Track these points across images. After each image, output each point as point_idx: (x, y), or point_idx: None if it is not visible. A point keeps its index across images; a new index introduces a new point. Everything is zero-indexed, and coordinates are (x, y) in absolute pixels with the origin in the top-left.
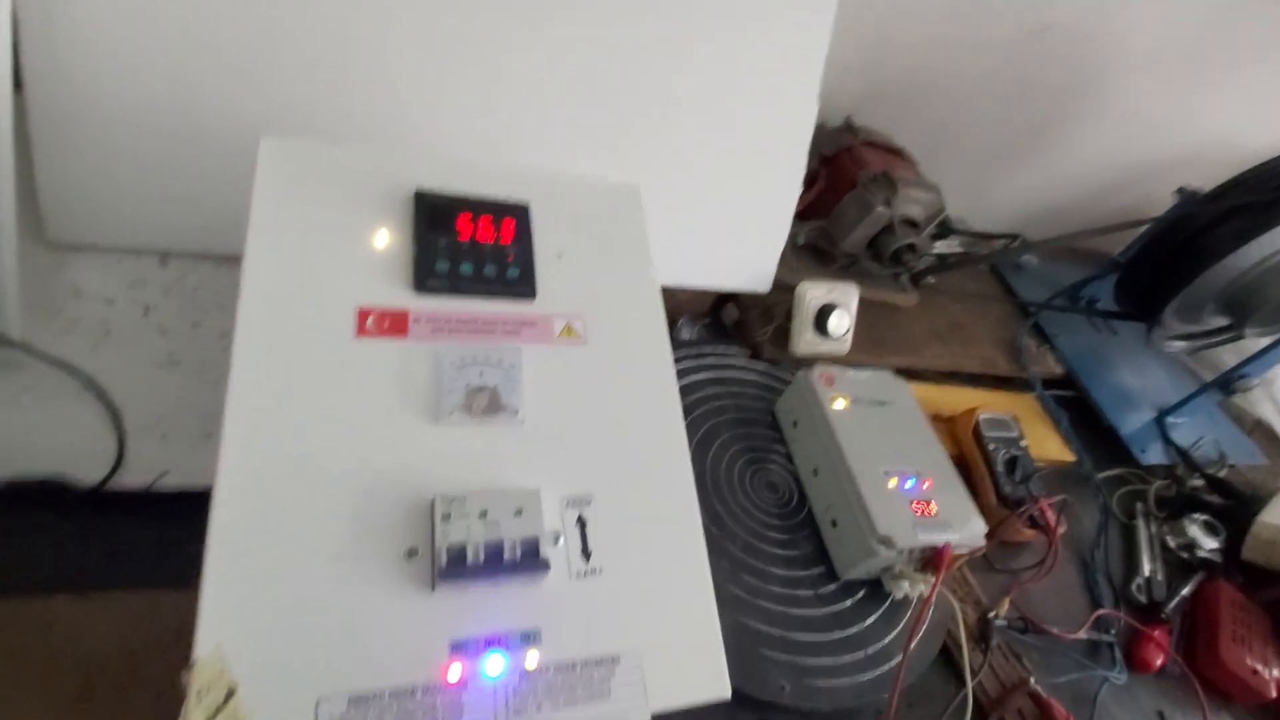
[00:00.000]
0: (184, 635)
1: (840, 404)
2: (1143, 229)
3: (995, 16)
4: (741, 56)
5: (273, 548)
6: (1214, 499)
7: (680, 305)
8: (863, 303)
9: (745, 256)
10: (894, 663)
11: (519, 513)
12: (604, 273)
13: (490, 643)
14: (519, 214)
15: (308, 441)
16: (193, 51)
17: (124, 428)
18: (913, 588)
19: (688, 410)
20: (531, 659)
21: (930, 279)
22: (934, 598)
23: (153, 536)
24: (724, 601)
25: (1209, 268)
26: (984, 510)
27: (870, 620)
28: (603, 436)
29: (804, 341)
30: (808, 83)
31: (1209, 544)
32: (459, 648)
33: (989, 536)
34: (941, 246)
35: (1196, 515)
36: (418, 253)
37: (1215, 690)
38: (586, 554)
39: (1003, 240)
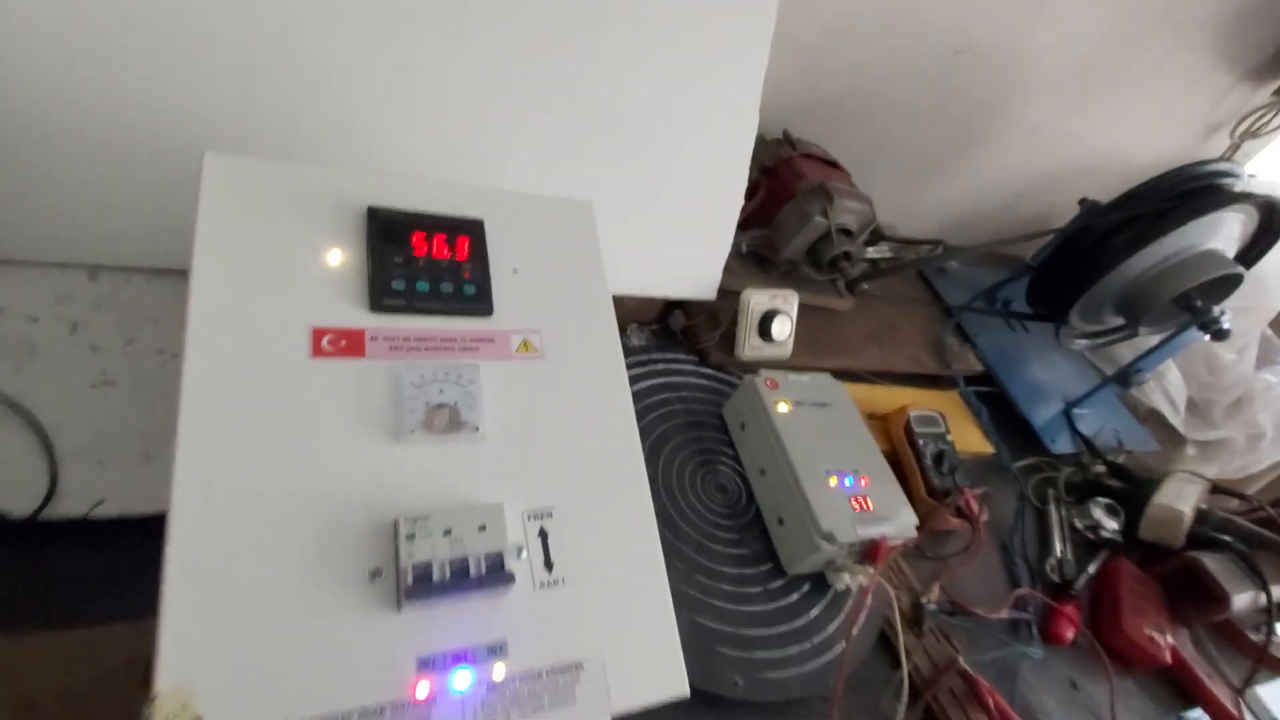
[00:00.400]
0: (132, 669)
1: (784, 407)
2: (1049, 237)
3: (918, 39)
4: (686, 74)
5: (233, 574)
6: (1114, 483)
7: (629, 312)
8: (802, 307)
9: (692, 265)
10: (837, 650)
11: (482, 528)
12: (559, 287)
13: (457, 658)
14: (474, 230)
15: (265, 465)
16: (125, 61)
17: (55, 454)
18: (853, 579)
19: (640, 415)
20: (498, 671)
21: (865, 285)
22: (873, 587)
23: (91, 568)
24: (679, 601)
25: (1107, 273)
26: (915, 501)
27: (815, 612)
28: (562, 449)
29: (749, 346)
30: (748, 98)
31: (1111, 525)
32: (426, 664)
33: (920, 527)
34: (872, 252)
35: (1100, 499)
36: (372, 270)
37: (1119, 658)
38: (549, 565)
39: (927, 246)
